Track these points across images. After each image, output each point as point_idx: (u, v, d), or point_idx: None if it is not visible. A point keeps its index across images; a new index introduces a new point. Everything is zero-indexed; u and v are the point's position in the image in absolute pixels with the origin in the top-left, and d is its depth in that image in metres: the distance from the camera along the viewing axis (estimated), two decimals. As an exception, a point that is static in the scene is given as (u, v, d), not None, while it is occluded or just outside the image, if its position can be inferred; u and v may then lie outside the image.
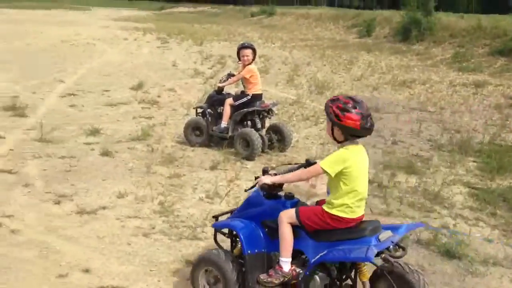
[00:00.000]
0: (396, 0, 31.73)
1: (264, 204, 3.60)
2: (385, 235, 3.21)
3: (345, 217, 3.28)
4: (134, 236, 4.63)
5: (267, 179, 3.51)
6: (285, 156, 7.28)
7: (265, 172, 3.65)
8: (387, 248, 3.19)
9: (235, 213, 3.82)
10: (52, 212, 5.04)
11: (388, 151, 7.72)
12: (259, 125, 7.41)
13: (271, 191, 3.57)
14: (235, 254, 3.67)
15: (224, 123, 7.41)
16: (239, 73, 7.50)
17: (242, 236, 3.52)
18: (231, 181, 6.12)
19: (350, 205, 3.28)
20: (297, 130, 8.74)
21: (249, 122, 7.41)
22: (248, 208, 3.71)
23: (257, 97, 7.41)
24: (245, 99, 7.35)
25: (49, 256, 4.19)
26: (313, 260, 3.25)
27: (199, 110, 7.81)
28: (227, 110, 7.38)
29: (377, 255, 3.06)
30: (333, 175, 3.23)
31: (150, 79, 13.33)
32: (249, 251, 3.48)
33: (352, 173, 3.24)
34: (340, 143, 3.32)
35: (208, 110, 7.65)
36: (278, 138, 7.51)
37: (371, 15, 30.82)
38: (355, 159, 3.27)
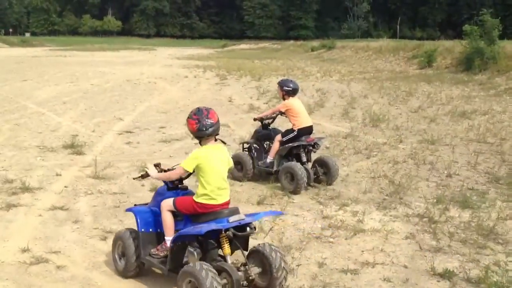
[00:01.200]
0: (459, 30, 31.01)
1: (165, 194, 4.54)
2: (235, 218, 4.10)
3: (207, 204, 4.23)
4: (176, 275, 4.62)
5: (152, 173, 4.60)
6: (333, 190, 7.14)
7: (156, 165, 4.71)
8: (243, 228, 4.10)
9: (150, 203, 4.77)
10: (97, 248, 5.14)
11: (442, 184, 7.43)
12: (304, 159, 7.43)
13: (144, 178, 4.85)
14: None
15: (270, 158, 7.53)
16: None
17: (138, 219, 4.55)
18: (276, 216, 6.05)
19: (209, 194, 4.22)
20: (348, 163, 8.59)
21: (295, 157, 7.46)
22: (156, 198, 4.66)
23: (303, 132, 7.44)
24: (291, 135, 7.42)
25: (90, 292, 4.26)
26: (175, 236, 4.20)
27: (245, 146, 7.91)
28: (275, 146, 7.49)
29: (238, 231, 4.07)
30: (190, 170, 4.28)
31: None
32: (142, 230, 4.51)
33: (205, 168, 4.22)
34: (200, 144, 4.40)
35: (255, 145, 7.81)
36: (324, 171, 7.47)
37: (432, 46, 30.28)
38: (207, 156, 4.25)
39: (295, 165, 7.14)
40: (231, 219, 4.09)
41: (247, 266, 4.15)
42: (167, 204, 4.40)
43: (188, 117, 4.36)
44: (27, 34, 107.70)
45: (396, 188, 7.13)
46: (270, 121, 7.94)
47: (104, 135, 10.86)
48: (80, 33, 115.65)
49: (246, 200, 6.73)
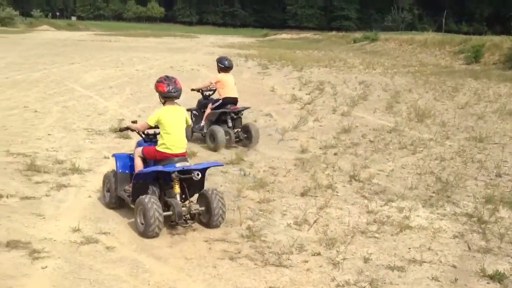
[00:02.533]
0: (508, 25, 30.09)
1: (141, 145, 5.76)
2: (181, 164, 5.27)
3: (164, 152, 5.38)
4: (221, 259, 4.68)
5: (129, 125, 5.89)
6: (378, 184, 7.06)
7: (133, 122, 5.96)
8: (187, 172, 5.22)
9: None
10: (145, 231, 5.22)
11: (491, 184, 7.25)
12: (230, 124, 8.94)
13: (122, 131, 6.34)
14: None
15: (202, 122, 9.14)
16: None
17: (117, 162, 5.82)
18: (320, 209, 6.03)
19: (167, 144, 5.36)
20: (393, 158, 8.47)
21: (222, 122, 8.93)
22: (135, 147, 5.82)
23: (228, 101, 8.97)
24: (218, 103, 9.03)
25: (139, 275, 4.33)
26: (135, 174, 5.48)
27: (190, 112, 9.32)
28: (206, 112, 9.08)
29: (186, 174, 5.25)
30: (152, 124, 5.44)
31: (249, 104, 13.57)
32: (120, 171, 5.77)
33: (165, 123, 5.36)
34: (163, 104, 5.55)
35: (194, 112, 9.42)
36: (246, 136, 8.95)
37: (480, 41, 29.50)
38: (167, 114, 5.41)
39: (217, 127, 8.64)
40: (178, 164, 5.25)
41: (190, 203, 5.34)
42: (138, 151, 5.64)
43: (158, 81, 5.54)
44: (73, 18, 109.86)
45: (444, 185, 7.00)
46: (210, 92, 9.46)
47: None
48: (124, 18, 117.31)
49: (289, 190, 6.73)
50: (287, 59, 28.61)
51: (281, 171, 7.58)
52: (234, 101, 9.08)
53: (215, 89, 9.25)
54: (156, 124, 5.42)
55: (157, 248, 4.85)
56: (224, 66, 9.06)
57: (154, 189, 5.41)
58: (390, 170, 7.79)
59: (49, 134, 9.15)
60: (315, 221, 5.58)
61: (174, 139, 5.38)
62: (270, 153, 8.61)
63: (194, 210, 5.29)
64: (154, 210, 4.95)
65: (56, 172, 6.91)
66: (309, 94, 15.56)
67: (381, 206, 6.23)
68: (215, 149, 8.52)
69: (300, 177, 7.34)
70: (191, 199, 5.50)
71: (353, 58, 31.99)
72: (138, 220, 5.13)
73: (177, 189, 5.29)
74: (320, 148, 9.07)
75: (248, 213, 5.80)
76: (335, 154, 8.70)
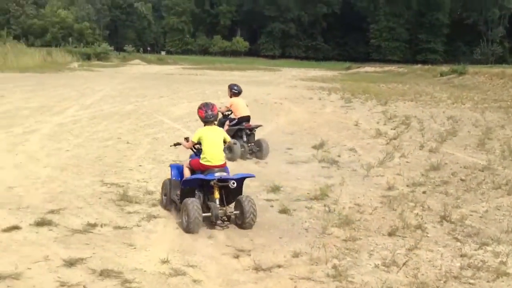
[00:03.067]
0: None
1: (193, 157, 6.89)
2: (219, 174, 6.42)
3: (205, 164, 6.55)
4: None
5: (182, 142, 7.13)
6: (471, 226, 6.71)
7: (185, 138, 7.10)
8: (224, 181, 6.33)
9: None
10: (231, 266, 5.26)
11: None
12: (244, 139, 10.77)
13: (176, 146, 7.58)
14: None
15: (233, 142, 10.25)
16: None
17: (171, 171, 7.06)
18: (410, 250, 5.81)
19: (207, 158, 6.54)
20: (487, 199, 8.05)
21: (239, 137, 10.73)
22: (189, 159, 6.93)
23: (242, 119, 10.87)
24: (234, 122, 10.88)
25: (224, 309, 4.35)
26: (182, 181, 6.65)
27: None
28: (224, 128, 9.88)
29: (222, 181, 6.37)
30: (195, 141, 6.72)
31: (332, 138, 13.53)
32: (173, 178, 6.93)
33: (205, 141, 6.59)
34: (204, 126, 6.79)
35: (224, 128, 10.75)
36: (258, 149, 10.71)
37: None
38: (207, 133, 6.65)
39: (234, 141, 10.13)
40: (216, 174, 6.41)
41: (227, 208, 6.39)
42: (187, 163, 6.86)
43: (199, 108, 6.84)
44: (163, 53, 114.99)
45: (544, 230, 6.54)
46: (229, 112, 11.07)
47: (234, 153, 11.19)
48: (210, 52, 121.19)
49: (376, 229, 6.55)
50: (371, 93, 28.30)
51: (367, 209, 7.41)
52: (247, 119, 11.03)
53: (231, 111, 11.01)
54: (198, 141, 6.68)
55: (242, 284, 4.86)
56: (236, 91, 11.00)
57: (199, 194, 6.52)
58: (483, 211, 7.40)
59: (140, 165, 9.53)
60: (404, 263, 5.38)
61: (212, 153, 6.59)
62: (355, 190, 8.46)
63: (229, 212, 6.40)
64: (194, 211, 6.02)
65: (147, 203, 7.15)
66: (394, 129, 15.24)
67: (475, 249, 5.90)
68: (231, 159, 10.02)
69: (387, 216, 7.14)
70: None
71: (440, 92, 31.09)
72: (183, 219, 6.17)
73: (216, 194, 6.40)
74: (407, 186, 8.80)
75: (334, 252, 5.69)
76: (424, 192, 8.40)
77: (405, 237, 6.28)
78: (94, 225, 6.15)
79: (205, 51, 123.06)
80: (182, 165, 6.96)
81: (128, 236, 5.87)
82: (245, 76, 48.00)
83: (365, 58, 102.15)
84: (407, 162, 10.81)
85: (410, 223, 6.69)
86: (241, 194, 6.54)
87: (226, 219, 6.45)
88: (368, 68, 72.27)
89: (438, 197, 8.14)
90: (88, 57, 62.69)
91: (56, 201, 7.09)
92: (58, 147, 10.98)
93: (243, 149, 10.46)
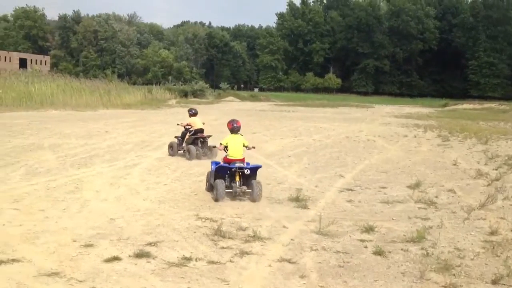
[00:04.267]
0: None
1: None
2: (239, 164, 9.75)
3: (230, 158, 9.93)
4: None
5: (218, 147, 10.55)
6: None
7: (214, 146, 12.60)
8: (241, 169, 9.73)
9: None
10: (323, 307, 5.16)
11: None
12: (199, 145, 15.07)
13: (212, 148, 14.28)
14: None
15: (184, 144, 15.44)
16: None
17: (212, 165, 10.21)
18: None
19: (230, 154, 9.97)
20: None
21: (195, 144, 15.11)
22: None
23: (197, 131, 15.27)
24: (191, 133, 15.29)
25: None
26: (213, 168, 10.07)
27: (175, 138, 16.04)
28: (186, 138, 15.42)
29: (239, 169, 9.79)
30: (224, 144, 10.14)
31: (428, 178, 13.06)
32: (212, 170, 9.99)
33: (229, 144, 10.08)
34: (231, 133, 10.25)
35: (179, 137, 15.75)
36: (209, 153, 14.96)
37: None
38: (231, 139, 10.16)
39: (190, 147, 14.86)
40: (236, 164, 9.75)
41: (242, 187, 9.71)
42: (221, 159, 10.24)
43: (228, 122, 10.44)
44: (256, 90, 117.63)
45: None
46: (189, 127, 15.41)
47: (326, 191, 11.10)
48: (302, 89, 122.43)
49: (478, 276, 6.17)
50: (470, 131, 27.11)
51: (468, 254, 7.01)
52: (202, 131, 15.38)
53: (191, 126, 15.41)
54: (226, 144, 10.14)
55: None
56: (192, 113, 15.82)
57: (226, 177, 9.81)
58: None
59: (233, 201, 9.69)
60: (510, 315, 5.01)
61: (233, 151, 10.05)
62: (455, 233, 8.05)
63: (244, 190, 9.73)
64: (221, 188, 9.45)
65: (240, 239, 7.23)
66: (496, 170, 14.42)
67: None
68: (189, 159, 14.59)
69: (490, 262, 6.71)
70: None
71: (547, 131, 29.14)
72: (214, 193, 9.54)
73: (236, 178, 9.80)
74: (512, 231, 8.26)
75: (433, 298, 5.42)
76: (531, 238, 7.83)
77: (510, 286, 5.86)
78: (189, 259, 6.29)
79: (297, 88, 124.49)
80: (219, 162, 10.18)
81: (221, 272, 5.95)
82: (337, 112, 47.83)
83: (462, 95, 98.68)
84: (511, 205, 10.16)
85: (516, 272, 6.24)
86: (255, 179, 9.84)
87: (242, 195, 9.73)
88: (466, 105, 69.52)
89: (548, 244, 7.55)
90: (185, 94, 65.43)
91: (154, 234, 7.36)
92: (156, 181, 11.45)
93: (197, 152, 14.77)
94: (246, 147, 10.28)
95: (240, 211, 8.91)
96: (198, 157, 14.61)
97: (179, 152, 15.47)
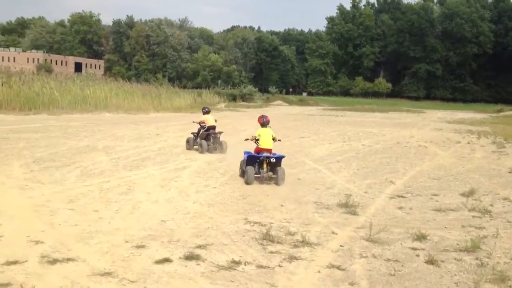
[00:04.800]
0: None
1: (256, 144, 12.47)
2: (266, 154, 11.82)
3: (260, 148, 12.05)
4: None
5: (250, 138, 12.68)
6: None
7: (246, 139, 13.03)
8: (268, 158, 11.81)
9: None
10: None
11: None
12: (210, 140, 16.66)
13: (246, 140, 13.52)
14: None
15: (198, 139, 17.00)
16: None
17: (244, 154, 12.27)
18: None
19: (261, 145, 12.06)
20: None
21: (209, 139, 16.82)
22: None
23: (210, 128, 16.88)
24: (204, 129, 16.91)
25: None
26: (245, 156, 12.18)
27: (192, 134, 17.69)
28: (200, 134, 17.02)
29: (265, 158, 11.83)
30: (257, 136, 12.23)
31: (483, 185, 12.67)
32: (245, 158, 12.14)
33: (261, 136, 12.13)
34: (261, 127, 12.37)
35: (195, 133, 17.35)
36: (220, 148, 16.68)
37: None
38: (262, 132, 12.21)
39: (202, 141, 16.56)
40: (264, 154, 11.74)
41: (269, 173, 11.69)
42: (252, 149, 12.21)
43: (259, 117, 12.56)
44: (304, 94, 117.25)
45: None
46: (203, 124, 17.08)
47: (376, 197, 10.93)
48: (351, 93, 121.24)
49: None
50: (527, 138, 26.11)
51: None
52: (214, 127, 17.02)
53: (204, 123, 17.09)
54: (257, 136, 12.19)
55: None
56: (206, 111, 17.51)
57: (255, 164, 11.77)
58: None
59: (282, 205, 9.68)
60: None
61: (264, 142, 12.06)
62: (511, 243, 7.77)
63: (270, 175, 11.73)
64: (251, 172, 11.52)
65: (288, 244, 7.21)
66: (556, 178, 13.84)
67: None
68: (201, 152, 16.36)
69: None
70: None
71: None
72: (245, 177, 11.62)
73: (264, 165, 11.77)
74: None
75: (488, 311, 5.25)
76: None
77: None
78: (238, 263, 6.33)
79: (346, 92, 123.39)
80: (250, 152, 12.20)
81: (270, 276, 5.95)
82: (387, 117, 47.11)
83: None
84: None
85: None
86: (280, 166, 11.85)
87: (268, 179, 11.75)
88: (524, 110, 66.99)
89: None
90: (234, 98, 65.92)
91: (203, 236, 7.44)
92: (206, 184, 11.57)
93: (209, 146, 16.56)
94: (274, 139, 12.25)
95: (288, 216, 8.89)
96: (209, 151, 16.39)
97: (194, 147, 17.11)
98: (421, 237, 7.74)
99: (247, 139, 12.86)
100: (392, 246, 7.40)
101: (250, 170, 11.50)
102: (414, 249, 7.29)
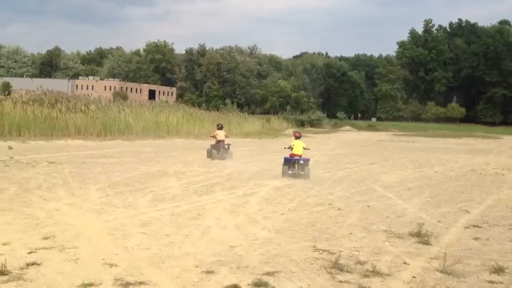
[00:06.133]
0: None
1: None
2: (297, 157, 16.92)
3: (293, 154, 17.28)
4: None
5: (287, 147, 18.32)
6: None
7: (285, 148, 18.60)
8: (298, 161, 17.05)
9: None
10: None
11: None
12: (221, 149, 22.29)
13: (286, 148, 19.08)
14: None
15: (212, 150, 22.62)
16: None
17: (284, 158, 17.52)
18: None
19: (293, 151, 17.32)
20: None
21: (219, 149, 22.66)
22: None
23: (220, 141, 22.57)
24: (216, 142, 22.81)
25: None
26: (284, 159, 17.57)
27: (210, 146, 23.14)
28: (213, 145, 22.79)
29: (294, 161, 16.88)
30: (292, 145, 17.55)
31: None
32: (284, 161, 17.49)
33: (293, 145, 17.50)
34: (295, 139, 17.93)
35: (212, 145, 22.80)
36: (226, 155, 22.41)
37: None
38: (295, 142, 17.52)
39: (213, 150, 22.48)
40: (296, 157, 16.94)
41: (298, 171, 16.83)
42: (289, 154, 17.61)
43: (294, 132, 20.13)
44: (373, 119, 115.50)
45: None
46: (216, 137, 22.75)
47: (451, 226, 10.52)
48: (422, 119, 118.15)
49: None
50: None
51: None
52: (222, 140, 22.32)
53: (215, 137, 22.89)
54: (292, 145, 17.30)
55: None
56: (219, 127, 23.04)
57: (290, 165, 16.83)
58: None
59: (351, 233, 9.52)
60: None
61: (296, 150, 17.13)
62: None
63: (299, 173, 16.66)
64: (285, 170, 16.98)
65: (358, 273, 7.06)
66: None
67: None
68: (211, 158, 22.00)
69: None
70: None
71: None
72: (282, 173, 16.94)
73: (295, 166, 16.75)
74: None
75: None
76: None
77: None
78: (306, 291, 6.26)
79: (417, 118, 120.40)
80: (287, 156, 17.06)
81: (339, 306, 5.85)
82: (460, 143, 45.55)
83: None
84: None
85: None
86: (308, 165, 16.75)
87: (298, 176, 16.32)
88: None
89: None
90: (302, 124, 66.12)
91: (271, 263, 7.42)
92: (274, 210, 11.58)
93: (217, 155, 21.92)
94: (304, 148, 17.27)
95: (358, 244, 8.73)
96: (218, 158, 21.86)
97: (210, 152, 22.63)
98: (498, 270, 7.36)
99: (285, 148, 18.33)
100: (468, 278, 7.09)
101: (285, 168, 16.93)
102: (492, 282, 6.95)
